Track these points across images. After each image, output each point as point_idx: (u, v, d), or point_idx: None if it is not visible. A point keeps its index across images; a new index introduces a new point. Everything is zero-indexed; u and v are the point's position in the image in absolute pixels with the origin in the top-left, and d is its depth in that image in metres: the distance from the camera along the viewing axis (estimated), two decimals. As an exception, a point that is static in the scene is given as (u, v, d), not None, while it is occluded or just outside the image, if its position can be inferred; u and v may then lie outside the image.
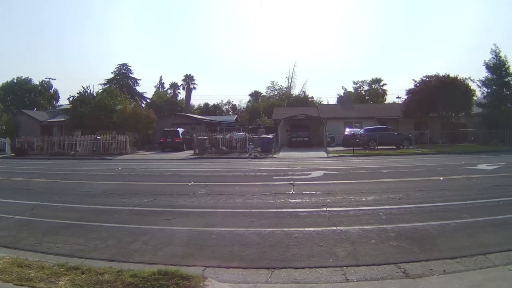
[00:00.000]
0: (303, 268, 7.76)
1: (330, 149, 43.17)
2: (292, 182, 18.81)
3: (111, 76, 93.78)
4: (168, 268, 7.04)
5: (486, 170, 22.10)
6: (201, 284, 6.52)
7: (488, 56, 50.20)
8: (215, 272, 7.66)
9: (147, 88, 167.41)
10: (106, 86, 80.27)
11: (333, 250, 8.67)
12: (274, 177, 21.24)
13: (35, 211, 13.47)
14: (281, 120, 55.64)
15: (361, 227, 10.42)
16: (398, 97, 75.66)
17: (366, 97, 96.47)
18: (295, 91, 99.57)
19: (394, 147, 43.17)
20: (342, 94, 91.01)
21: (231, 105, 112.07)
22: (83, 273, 7.00)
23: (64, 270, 7.17)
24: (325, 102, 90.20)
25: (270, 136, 44.57)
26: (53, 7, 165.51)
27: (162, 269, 6.95)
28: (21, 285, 6.49)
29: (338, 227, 10.44)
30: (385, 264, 7.79)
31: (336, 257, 8.28)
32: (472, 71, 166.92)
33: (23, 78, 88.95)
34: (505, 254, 8.08)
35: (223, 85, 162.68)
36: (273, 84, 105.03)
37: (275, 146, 45.59)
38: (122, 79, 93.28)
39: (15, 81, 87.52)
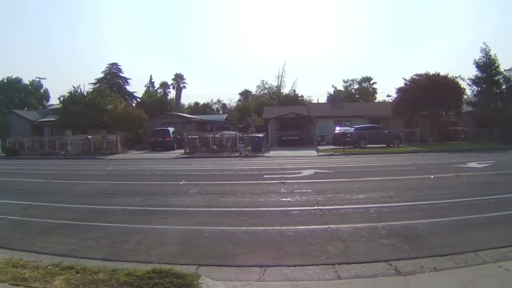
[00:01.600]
0: (295, 266, 7.81)
1: (320, 147, 43.38)
2: (283, 180, 18.88)
3: (102, 75, 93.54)
4: (162, 267, 7.09)
5: (476, 168, 22.23)
6: (195, 282, 6.57)
7: (478, 55, 50.53)
8: (208, 270, 7.71)
9: (137, 87, 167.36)
10: (96, 86, 79.99)
11: (324, 248, 8.74)
12: (265, 176, 21.28)
13: (28, 211, 13.42)
14: (271, 119, 55.66)
15: (352, 225, 10.50)
16: (388, 96, 75.92)
17: (356, 96, 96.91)
18: (285, 90, 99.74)
19: (385, 145, 43.36)
20: (332, 93, 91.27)
21: (221, 104, 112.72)
22: (78, 273, 7.02)
23: (59, 270, 7.18)
24: (315, 101, 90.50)
25: (261, 135, 44.55)
26: (43, 6, 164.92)
27: (156, 268, 7.00)
28: (17, 285, 6.49)
29: (329, 226, 10.50)
30: (376, 262, 7.86)
31: (327, 255, 8.35)
32: (462, 70, 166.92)
33: (13, 77, 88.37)
34: (495, 251, 8.16)
35: (213, 84, 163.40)
36: (263, 83, 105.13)
37: (266, 145, 45.57)
38: (112, 78, 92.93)
39: (5, 81, 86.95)
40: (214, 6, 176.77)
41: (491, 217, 11.02)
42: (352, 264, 7.82)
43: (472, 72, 53.23)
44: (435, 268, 7.44)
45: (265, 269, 7.70)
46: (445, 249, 8.39)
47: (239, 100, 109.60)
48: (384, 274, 7.32)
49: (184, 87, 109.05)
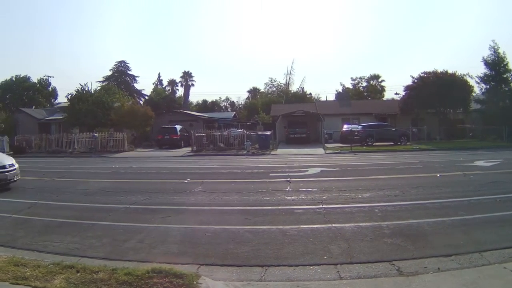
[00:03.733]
0: (297, 265, 7.76)
1: (327, 145, 43.45)
2: (288, 179, 18.81)
3: (110, 73, 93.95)
4: (162, 266, 7.06)
5: (484, 167, 22.10)
6: (195, 282, 6.53)
7: (487, 53, 50.34)
8: (209, 270, 7.66)
9: (145, 85, 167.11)
10: (104, 84, 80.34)
11: (327, 248, 8.67)
12: (270, 174, 21.29)
13: (32, 209, 13.44)
14: (279, 117, 55.73)
15: (356, 224, 10.44)
16: (396, 93, 75.75)
17: (365, 93, 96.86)
18: (293, 88, 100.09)
19: (392, 143, 43.25)
20: (340, 91, 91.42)
21: (229, 101, 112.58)
22: (78, 272, 7.02)
23: (59, 269, 7.18)
24: (323, 99, 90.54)
25: (268, 132, 44.70)
26: (52, 5, 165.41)
27: (156, 267, 6.97)
28: (17, 283, 6.51)
29: (333, 224, 10.43)
30: (379, 262, 7.78)
31: (330, 254, 8.28)
32: (470, 67, 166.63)
33: (21, 76, 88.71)
34: (500, 252, 8.06)
35: (222, 82, 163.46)
36: (271, 80, 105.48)
37: (273, 143, 45.70)
38: (120, 76, 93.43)
39: (13, 79, 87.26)
40: (223, 4, 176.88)
41: (497, 217, 10.90)
42: (355, 264, 7.74)
43: (480, 69, 53.13)
44: (438, 268, 7.34)
45: (266, 269, 7.65)
46: (449, 249, 8.29)
47: (247, 98, 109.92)
48: (386, 274, 7.24)
49: (192, 84, 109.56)
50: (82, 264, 7.47)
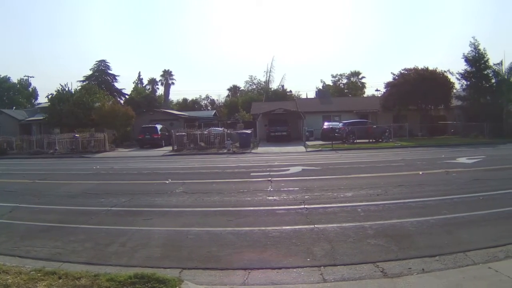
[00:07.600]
0: (280, 268, 7.73)
1: (308, 143, 43.31)
2: (270, 178, 18.79)
3: (90, 72, 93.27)
4: (144, 272, 6.98)
5: (466, 164, 22.23)
6: (177, 287, 6.49)
7: (467, 49, 50.54)
8: (192, 274, 7.62)
9: (126, 84, 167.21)
10: (84, 83, 79.78)
11: (310, 250, 8.65)
12: (252, 174, 21.21)
13: (14, 213, 13.31)
14: (259, 115, 55.70)
15: (339, 225, 10.41)
16: (377, 90, 76.08)
17: (345, 90, 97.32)
18: (274, 85, 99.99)
19: (374, 140, 43.38)
20: (321, 88, 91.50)
21: (209, 100, 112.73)
22: (60, 278, 6.94)
23: (41, 275, 7.09)
24: (303, 96, 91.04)
25: (248, 131, 44.77)
26: (27, 4, 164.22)
27: (138, 273, 6.89)
28: (-2, 291, 6.41)
29: (315, 225, 10.41)
30: (363, 264, 7.77)
31: (313, 256, 8.26)
32: (451, 64, 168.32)
33: (1, 76, 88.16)
34: (484, 252, 8.09)
35: (202, 80, 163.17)
36: (251, 78, 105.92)
37: (254, 141, 45.84)
38: (101, 75, 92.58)
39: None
40: (202, 2, 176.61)
41: (481, 215, 10.96)
42: (338, 266, 7.73)
43: (461, 66, 53.40)
44: (423, 269, 7.35)
45: (249, 272, 7.61)
46: (434, 250, 8.31)
47: (228, 96, 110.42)
48: (370, 276, 7.23)
49: (173, 83, 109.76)
50: (64, 270, 7.37)
